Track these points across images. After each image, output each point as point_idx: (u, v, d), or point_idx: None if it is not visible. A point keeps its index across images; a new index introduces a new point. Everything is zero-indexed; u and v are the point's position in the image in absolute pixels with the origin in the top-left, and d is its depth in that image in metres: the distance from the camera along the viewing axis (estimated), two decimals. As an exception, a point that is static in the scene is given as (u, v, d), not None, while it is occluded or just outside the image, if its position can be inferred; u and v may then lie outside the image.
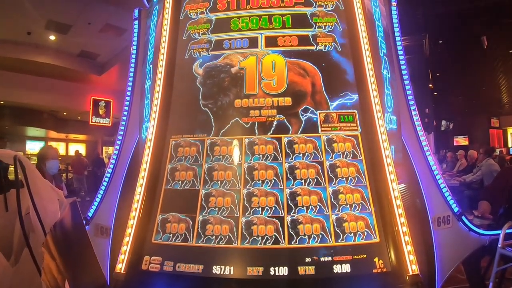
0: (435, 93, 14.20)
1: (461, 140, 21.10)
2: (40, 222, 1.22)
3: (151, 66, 3.05)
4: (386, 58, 3.00)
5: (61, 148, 18.97)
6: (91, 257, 1.57)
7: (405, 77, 3.14)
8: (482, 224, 3.22)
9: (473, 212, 3.79)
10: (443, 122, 19.74)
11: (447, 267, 2.74)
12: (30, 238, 1.16)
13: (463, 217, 2.87)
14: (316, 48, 2.71)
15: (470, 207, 4.75)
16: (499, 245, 2.78)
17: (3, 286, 1.04)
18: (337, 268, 2.07)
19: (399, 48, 3.21)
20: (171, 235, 2.26)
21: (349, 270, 2.07)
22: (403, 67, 3.17)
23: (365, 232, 2.19)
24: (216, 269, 2.11)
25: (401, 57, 3.19)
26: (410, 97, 3.09)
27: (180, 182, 2.43)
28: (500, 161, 8.50)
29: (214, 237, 2.21)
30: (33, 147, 17.37)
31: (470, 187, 7.90)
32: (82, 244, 1.53)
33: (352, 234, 2.18)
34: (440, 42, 10.46)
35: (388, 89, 2.91)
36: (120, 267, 2.19)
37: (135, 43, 3.44)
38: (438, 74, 12.81)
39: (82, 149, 18.49)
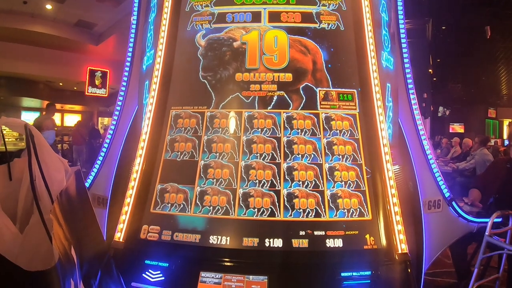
0: (434, 79, 14.15)
1: (457, 128, 21.22)
2: (48, 190, 1.25)
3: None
4: (388, 30, 3.00)
5: (56, 118, 18.77)
6: (94, 224, 1.60)
7: (406, 60, 3.13)
8: (471, 211, 3.28)
9: (463, 199, 3.86)
10: (440, 108, 19.77)
11: (435, 250, 2.81)
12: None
13: (454, 203, 2.92)
14: (319, 26, 2.69)
15: (461, 194, 4.84)
16: (487, 233, 2.84)
17: (12, 252, 1.07)
18: (329, 242, 2.13)
19: (402, 31, 3.19)
20: (170, 205, 2.30)
21: (341, 245, 2.13)
22: (404, 50, 3.16)
23: (358, 209, 2.25)
24: (213, 239, 2.16)
25: (403, 40, 3.18)
26: (409, 81, 3.10)
27: (179, 153, 2.45)
28: (494, 151, 8.62)
29: (211, 207, 2.25)
30: (28, 118, 17.18)
31: (462, 174, 8.02)
32: (86, 211, 1.56)
33: (346, 210, 2.23)
34: (443, 28, 10.36)
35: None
36: (119, 236, 2.23)
37: (135, 13, 3.38)
38: (438, 60, 12.75)
39: (77, 119, 18.34)
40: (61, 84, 17.67)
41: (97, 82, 15.92)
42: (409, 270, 2.12)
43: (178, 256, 2.12)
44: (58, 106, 18.66)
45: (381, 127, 2.44)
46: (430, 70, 10.60)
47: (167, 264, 2.08)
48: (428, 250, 2.73)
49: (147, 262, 2.10)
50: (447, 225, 2.93)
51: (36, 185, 1.22)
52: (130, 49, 3.30)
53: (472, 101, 20.70)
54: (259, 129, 2.45)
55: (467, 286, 2.87)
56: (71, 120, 18.73)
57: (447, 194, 2.91)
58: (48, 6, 11.87)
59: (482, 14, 9.28)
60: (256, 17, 2.72)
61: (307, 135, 2.44)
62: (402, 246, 2.15)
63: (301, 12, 2.72)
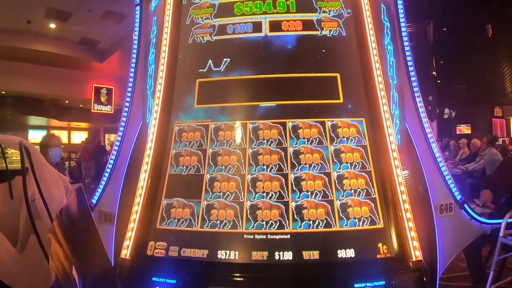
0: (438, 81, 14.07)
1: (464, 129, 21.03)
2: (47, 209, 1.22)
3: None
4: (390, 34, 2.97)
5: (63, 136, 18.99)
6: (97, 242, 1.57)
7: (410, 63, 3.10)
8: (483, 213, 3.22)
9: (474, 200, 3.80)
10: (446, 110, 19.61)
11: (449, 255, 2.75)
12: (36, 225, 1.15)
13: (466, 205, 2.86)
14: (320, 33, 2.68)
15: (472, 196, 4.76)
16: (501, 234, 2.78)
17: (10, 273, 1.04)
18: (341, 253, 2.08)
19: (404, 34, 3.17)
20: (176, 220, 2.27)
21: (353, 255, 2.08)
22: (407, 53, 3.13)
23: (369, 218, 2.20)
24: (221, 254, 2.12)
25: (405, 43, 3.15)
26: (414, 84, 3.06)
27: (185, 167, 2.43)
28: (502, 150, 8.49)
29: (219, 222, 2.22)
30: (35, 136, 17.34)
31: (472, 175, 7.91)
32: (89, 229, 1.53)
33: (356, 219, 2.19)
34: (445, 29, 10.34)
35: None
36: (125, 252, 2.20)
37: (137, 29, 3.40)
38: (441, 62, 12.69)
39: (84, 137, 18.49)
40: (67, 101, 17.86)
41: (102, 99, 16.03)
42: (424, 279, 2.06)
43: (185, 272, 2.08)
44: (64, 124, 18.95)
45: (388, 132, 2.40)
46: (434, 73, 10.55)
47: (175, 281, 2.04)
48: (442, 255, 2.67)
49: (154, 279, 2.07)
50: (460, 228, 2.87)
51: (35, 204, 1.19)
52: (133, 65, 3.30)
53: (477, 101, 20.54)
54: (265, 140, 2.43)
55: (483, 289, 2.81)
56: (78, 137, 18.89)
57: (458, 197, 2.85)
58: (52, 25, 12.07)
59: (482, 13, 9.26)
60: (257, 27, 2.71)
61: (314, 144, 2.40)
62: (416, 253, 2.10)
63: (302, 20, 2.71)
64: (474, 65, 14.22)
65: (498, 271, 3.10)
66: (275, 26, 2.70)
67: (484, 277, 3.13)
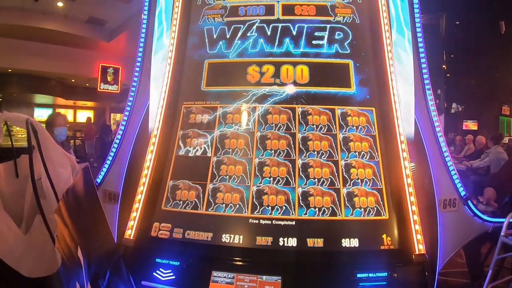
0: (448, 75, 13.93)
1: (470, 125, 20.82)
2: (53, 188, 1.19)
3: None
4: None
5: (69, 115, 19.00)
6: (103, 223, 1.55)
7: (422, 55, 3.04)
8: (486, 210, 3.20)
9: (478, 197, 3.77)
10: (454, 105, 19.42)
11: (449, 250, 2.74)
12: (42, 205, 1.13)
13: (469, 202, 2.85)
14: (334, 19, 2.63)
15: (475, 193, 4.73)
16: (502, 234, 2.76)
17: (14, 254, 1.02)
18: (345, 242, 2.08)
19: (418, 25, 3.10)
20: (181, 202, 2.27)
21: (357, 245, 2.08)
22: (420, 44, 3.07)
23: (375, 208, 2.19)
24: (226, 238, 2.12)
25: (419, 34, 3.09)
26: (425, 76, 3.01)
27: (192, 148, 2.42)
28: (508, 149, 8.42)
29: (224, 205, 2.21)
30: (41, 114, 17.34)
31: (476, 172, 7.85)
32: (95, 210, 1.51)
33: (362, 209, 2.17)
34: (457, 23, 10.18)
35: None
36: (130, 233, 2.20)
37: (146, 8, 3.35)
38: (452, 56, 12.54)
39: (90, 116, 18.49)
40: (73, 80, 17.81)
41: (109, 79, 15.95)
42: (426, 273, 2.05)
43: (189, 254, 2.09)
44: (70, 102, 18.96)
45: (398, 123, 2.37)
46: (444, 66, 10.42)
47: (178, 263, 2.04)
48: (442, 250, 2.66)
49: (157, 260, 2.07)
50: (462, 225, 2.85)
51: (41, 183, 1.16)
52: (142, 45, 3.26)
53: (485, 98, 20.33)
54: (273, 125, 2.40)
55: (480, 287, 2.80)
56: (83, 116, 18.89)
57: (463, 193, 2.83)
58: (59, 4, 11.95)
59: (496, 9, 9.09)
60: (270, 10, 2.67)
61: (323, 131, 2.38)
62: (419, 247, 2.10)
63: (315, 5, 2.66)
64: (485, 62, 14.04)
65: (496, 270, 3.09)
66: (288, 9, 2.65)
67: (482, 274, 3.12)
